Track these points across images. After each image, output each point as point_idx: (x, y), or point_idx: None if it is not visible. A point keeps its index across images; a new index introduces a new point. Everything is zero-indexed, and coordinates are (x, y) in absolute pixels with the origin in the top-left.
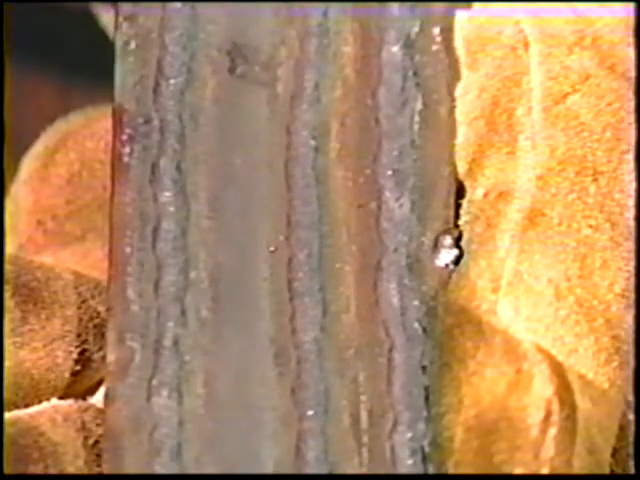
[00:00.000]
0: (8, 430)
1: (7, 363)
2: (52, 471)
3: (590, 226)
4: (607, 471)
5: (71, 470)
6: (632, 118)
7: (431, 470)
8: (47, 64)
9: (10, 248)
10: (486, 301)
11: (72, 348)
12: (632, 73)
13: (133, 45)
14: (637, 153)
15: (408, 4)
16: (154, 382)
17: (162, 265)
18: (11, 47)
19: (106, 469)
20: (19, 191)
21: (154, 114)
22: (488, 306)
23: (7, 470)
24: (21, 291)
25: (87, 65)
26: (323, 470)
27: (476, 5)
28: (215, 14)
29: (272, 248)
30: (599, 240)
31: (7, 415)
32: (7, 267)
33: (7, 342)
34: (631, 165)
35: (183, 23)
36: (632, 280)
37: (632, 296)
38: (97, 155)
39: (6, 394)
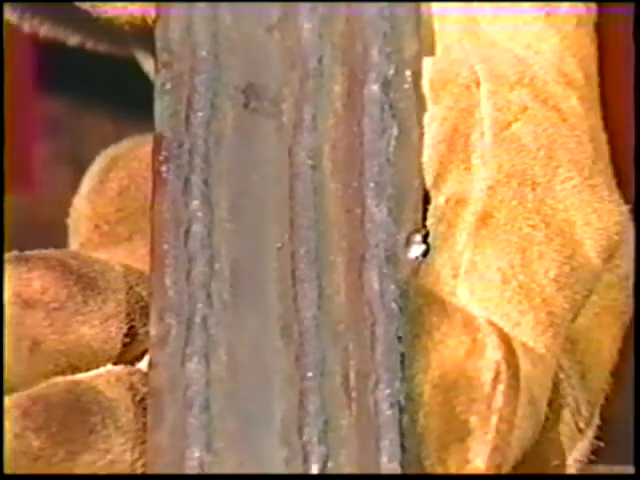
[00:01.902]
0: (73, 389)
1: (71, 337)
2: (108, 421)
3: (529, 225)
4: (543, 417)
5: (123, 420)
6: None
7: (405, 418)
8: (104, 103)
9: (73, 246)
10: (448, 285)
11: (122, 325)
12: (561, 105)
13: (169, 86)
14: (637, 152)
15: (385, 52)
16: (187, 351)
17: (192, 259)
18: (77, 89)
19: (149, 420)
20: (80, 202)
21: (185, 140)
22: (450, 289)
23: (68, 422)
24: (82, 280)
25: (135, 102)
26: (321, 419)
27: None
28: (233, 61)
29: (279, 245)
30: (536, 237)
31: (71, 378)
32: (71, 261)
33: (71, 320)
34: (562, 176)
35: (208, 68)
36: (564, 267)
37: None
38: (141, 173)
39: (71, 361)
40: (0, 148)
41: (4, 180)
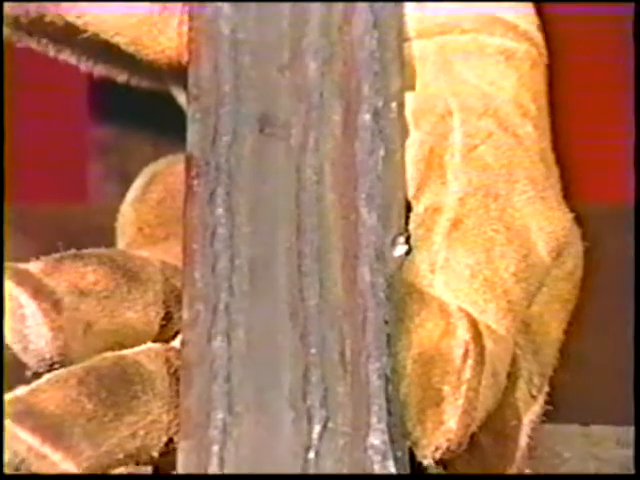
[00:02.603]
0: (120, 363)
1: (118, 320)
2: (148, 389)
3: (493, 230)
4: (503, 386)
5: (160, 388)
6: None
7: (391, 387)
8: (145, 129)
9: (120, 246)
10: (426, 279)
11: (160, 310)
12: (519, 131)
13: (198, 115)
14: (637, 152)
15: (375, 88)
16: (212, 332)
17: (217, 256)
18: (124, 118)
19: (181, 388)
20: (126, 210)
21: (212, 159)
22: (427, 282)
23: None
24: (127, 273)
25: (171, 128)
26: (321, 387)
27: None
28: (251, 95)
29: (288, 245)
30: (498, 239)
31: (118, 353)
32: (119, 258)
33: (119, 307)
34: (520, 190)
35: (230, 101)
36: (521, 264)
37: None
38: (176, 186)
39: (118, 340)
40: (0, 150)
41: (4, 179)
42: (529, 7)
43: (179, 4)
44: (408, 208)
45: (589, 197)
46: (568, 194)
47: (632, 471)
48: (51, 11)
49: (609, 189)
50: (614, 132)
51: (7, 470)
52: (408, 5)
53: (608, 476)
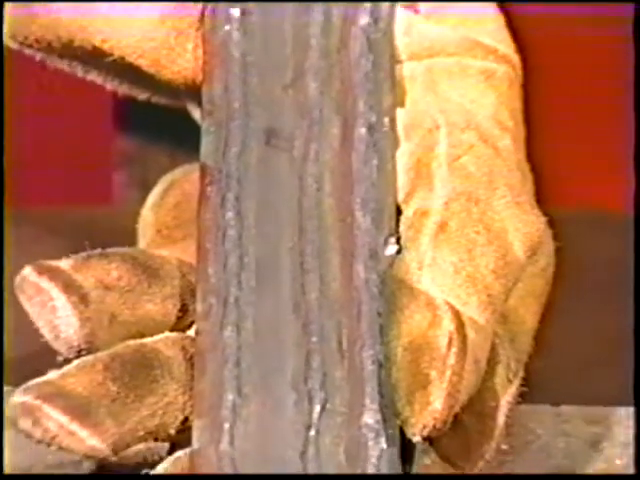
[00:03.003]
0: (141, 350)
1: (140, 312)
2: (166, 373)
3: (474, 232)
4: (483, 371)
5: (177, 373)
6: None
7: (383, 372)
8: (163, 141)
9: (141, 246)
10: (415, 275)
11: (177, 303)
12: (497, 144)
13: (212, 129)
14: (637, 151)
15: (370, 104)
16: (223, 322)
17: (227, 255)
18: (145, 132)
19: (196, 372)
20: (146, 213)
21: (223, 168)
22: (416, 278)
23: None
24: (147, 270)
25: (187, 141)
26: (321, 372)
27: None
28: (258, 111)
29: (291, 245)
30: (479, 240)
31: (138, 341)
32: (140, 256)
33: (140, 300)
34: (499, 195)
35: (239, 116)
36: (499, 262)
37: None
38: (191, 192)
39: (139, 330)
40: (0, 148)
41: (4, 181)
42: (507, 33)
43: (194, 30)
44: (399, 212)
45: (563, 202)
46: (542, 199)
47: (598, 446)
48: (73, 32)
49: (583, 195)
50: (592, 141)
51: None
52: (398, 31)
53: (608, 476)
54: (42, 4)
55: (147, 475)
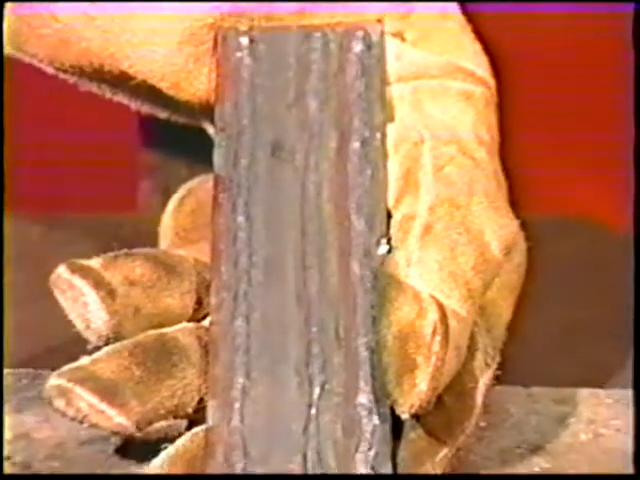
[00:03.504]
0: (161, 338)
1: (160, 305)
2: (184, 359)
3: (456, 233)
4: (463, 357)
5: (193, 358)
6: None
7: (375, 358)
8: (182, 154)
9: (162, 246)
10: (404, 271)
11: (193, 297)
12: (475, 155)
13: (223, 143)
14: (637, 152)
15: (363, 121)
16: (234, 314)
17: (238, 254)
18: (166, 146)
19: (210, 358)
20: (166, 218)
21: (234, 177)
22: (405, 274)
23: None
24: (167, 267)
25: (202, 154)
26: (321, 358)
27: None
28: (265, 127)
29: (294, 245)
30: (460, 241)
31: (159, 331)
32: (161, 256)
33: (160, 294)
34: (477, 201)
35: (248, 132)
36: (478, 260)
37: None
38: (206, 199)
39: (160, 321)
40: (0, 148)
41: (4, 180)
42: (484, 58)
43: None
44: (389, 216)
45: (534, 207)
46: (516, 205)
47: (564, 423)
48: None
49: (552, 200)
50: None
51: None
52: (390, 56)
53: (608, 476)
54: (77, 35)
55: (148, 475)
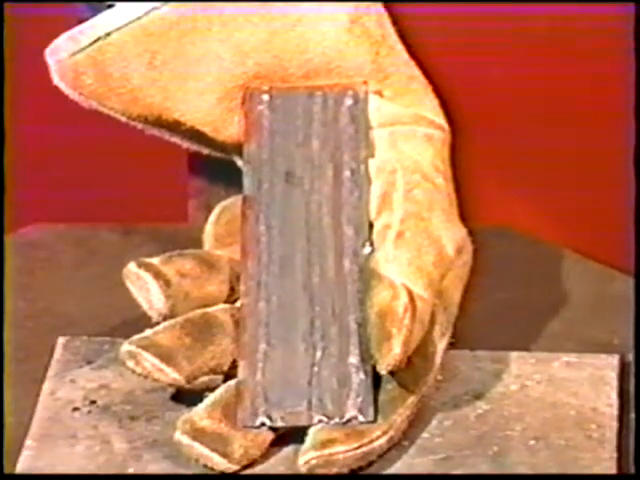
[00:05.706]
0: (204, 316)
1: (204, 291)
2: (221, 330)
3: (421, 238)
4: (426, 329)
5: (228, 330)
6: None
7: (361, 330)
8: (220, 179)
9: (205, 249)
10: (382, 267)
11: (228, 285)
12: (435, 181)
13: (250, 173)
14: (637, 152)
15: (352, 156)
16: (258, 297)
17: (260, 254)
18: (208, 173)
19: (240, 331)
20: (208, 228)
21: (257, 197)
22: (383, 268)
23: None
24: (208, 263)
25: (234, 180)
26: (321, 330)
27: None
28: (281, 161)
29: (301, 247)
30: (424, 243)
31: (203, 310)
32: (204, 255)
33: (204, 284)
34: (436, 214)
35: (268, 164)
36: (437, 257)
37: None
38: (237, 213)
39: (204, 303)
40: (0, 148)
41: (4, 178)
42: (440, 109)
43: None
44: (371, 226)
45: (476, 220)
46: (464, 217)
47: (500, 376)
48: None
49: (488, 215)
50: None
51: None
52: (372, 109)
53: (608, 476)
54: (143, 93)
55: (158, 475)
